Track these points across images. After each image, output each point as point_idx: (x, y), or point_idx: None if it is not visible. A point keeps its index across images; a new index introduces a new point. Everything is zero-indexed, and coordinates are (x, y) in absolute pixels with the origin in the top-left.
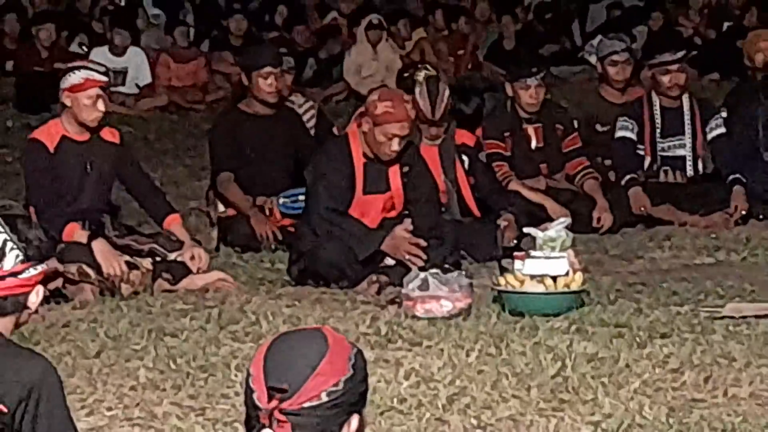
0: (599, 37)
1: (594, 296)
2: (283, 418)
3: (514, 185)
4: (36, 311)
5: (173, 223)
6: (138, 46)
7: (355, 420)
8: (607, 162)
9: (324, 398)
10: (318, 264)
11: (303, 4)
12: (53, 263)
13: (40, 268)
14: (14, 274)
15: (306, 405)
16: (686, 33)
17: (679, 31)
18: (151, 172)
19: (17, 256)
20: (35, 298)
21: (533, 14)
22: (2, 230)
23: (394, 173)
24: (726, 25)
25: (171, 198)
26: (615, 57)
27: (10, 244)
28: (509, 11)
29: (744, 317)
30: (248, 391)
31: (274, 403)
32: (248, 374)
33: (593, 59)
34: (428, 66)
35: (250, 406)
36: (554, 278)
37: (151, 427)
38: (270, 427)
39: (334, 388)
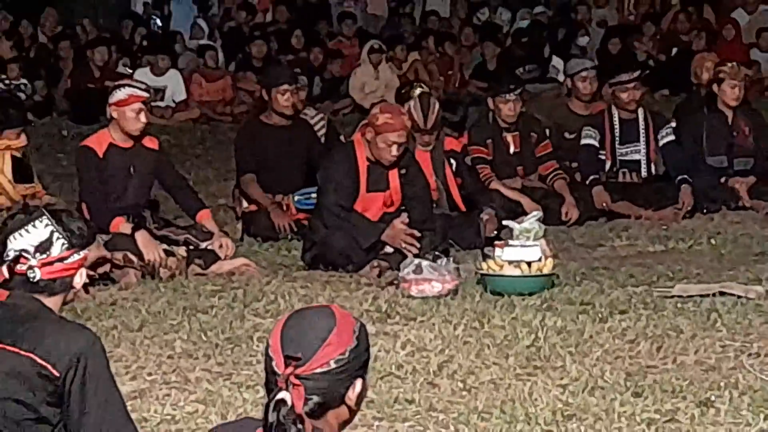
0: (555, 58)
1: (563, 279)
2: (297, 382)
3: (494, 185)
4: (86, 291)
5: (204, 217)
6: (175, 68)
7: (359, 383)
8: (574, 165)
9: (332, 365)
10: (328, 251)
11: (317, 29)
12: (95, 249)
13: (82, 253)
14: (61, 260)
15: (317, 371)
16: (641, 57)
17: (634, 54)
18: (185, 174)
19: (63, 244)
20: (79, 279)
21: (512, 40)
22: (50, 223)
23: (393, 174)
24: (675, 49)
25: (202, 196)
26: (584, 73)
27: (56, 234)
28: (491, 37)
29: (690, 296)
30: (267, 359)
31: (289, 369)
32: (268, 345)
33: (561, 77)
34: (422, 84)
35: (269, 372)
36: (529, 263)
37: (185, 390)
38: (286, 389)
39: (341, 357)
